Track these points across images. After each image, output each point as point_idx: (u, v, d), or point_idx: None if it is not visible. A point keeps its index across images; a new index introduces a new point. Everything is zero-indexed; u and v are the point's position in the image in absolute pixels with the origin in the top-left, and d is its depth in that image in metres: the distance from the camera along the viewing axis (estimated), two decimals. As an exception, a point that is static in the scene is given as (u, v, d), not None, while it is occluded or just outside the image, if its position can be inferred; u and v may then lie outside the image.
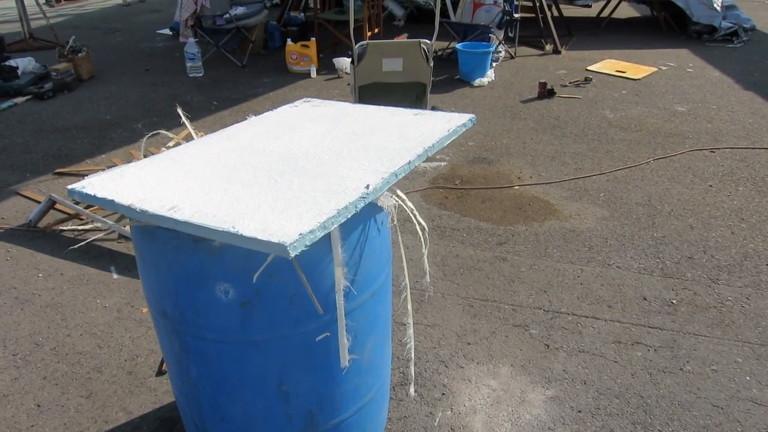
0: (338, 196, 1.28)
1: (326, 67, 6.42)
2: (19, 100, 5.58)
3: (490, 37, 6.10)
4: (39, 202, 3.65)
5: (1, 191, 3.95)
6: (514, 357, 2.43)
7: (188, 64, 6.27)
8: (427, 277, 1.86)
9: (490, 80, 5.90)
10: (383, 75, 4.23)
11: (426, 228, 1.68)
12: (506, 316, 2.67)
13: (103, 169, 3.94)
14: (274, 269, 1.34)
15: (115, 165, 4.08)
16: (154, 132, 2.04)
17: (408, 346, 1.77)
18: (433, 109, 4.33)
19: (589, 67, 6.28)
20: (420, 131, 1.68)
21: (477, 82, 5.81)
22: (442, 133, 1.64)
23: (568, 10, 8.30)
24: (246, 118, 1.96)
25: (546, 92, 5.44)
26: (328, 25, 6.63)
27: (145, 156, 1.85)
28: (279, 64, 6.58)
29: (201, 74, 6.32)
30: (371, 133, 1.70)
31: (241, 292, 1.38)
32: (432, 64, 4.22)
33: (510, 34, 6.63)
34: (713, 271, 2.95)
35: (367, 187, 1.31)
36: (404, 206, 1.64)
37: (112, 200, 1.34)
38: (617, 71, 6.12)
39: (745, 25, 7.21)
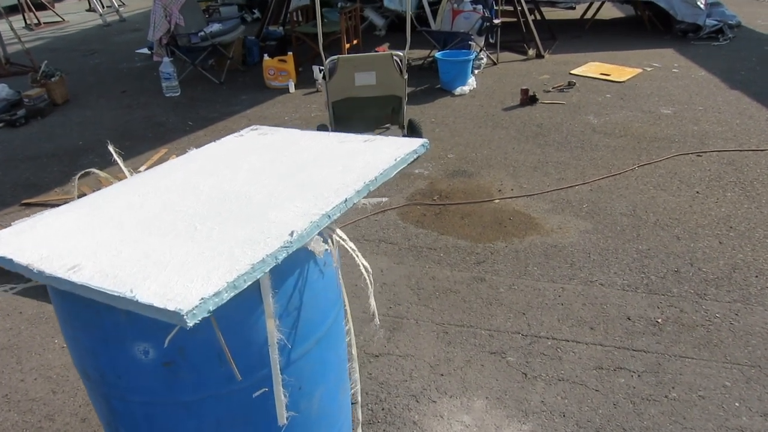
0: (258, 246, 1.15)
1: (305, 81, 6.31)
2: (-10, 128, 5.45)
3: (470, 44, 5.99)
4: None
5: (-35, 225, 3.81)
6: (490, 388, 2.29)
7: (164, 84, 6.15)
8: (376, 320, 1.72)
9: (472, 88, 5.79)
10: (356, 89, 4.11)
11: (370, 270, 1.55)
12: (483, 342, 2.54)
13: (71, 198, 3.80)
14: (196, 326, 1.21)
15: (84, 194, 3.95)
16: (85, 171, 1.91)
17: (354, 389, 1.63)
18: (410, 122, 4.23)
19: (573, 71, 6.17)
20: (365, 161, 1.55)
21: (458, 90, 5.70)
22: (387, 164, 1.51)
23: (551, 13, 8.21)
24: (214, 139, 1.84)
25: (528, 99, 5.32)
26: (306, 38, 6.52)
27: (78, 196, 1.73)
28: (257, 80, 6.47)
29: (178, 93, 6.20)
30: (313, 166, 1.57)
31: (162, 352, 1.24)
32: (406, 77, 4.10)
33: (491, 40, 6.52)
34: (700, 286, 2.82)
35: (291, 234, 1.18)
36: (346, 246, 1.50)
37: (11, 259, 1.20)
38: (601, 74, 6.01)
39: (731, 22, 7.11)
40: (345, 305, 1.63)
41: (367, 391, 2.30)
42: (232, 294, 1.03)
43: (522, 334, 2.57)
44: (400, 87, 4.12)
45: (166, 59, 6.13)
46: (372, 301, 1.57)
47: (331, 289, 1.54)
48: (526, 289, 2.86)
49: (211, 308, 0.99)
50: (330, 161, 1.59)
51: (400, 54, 4.02)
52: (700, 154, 4.19)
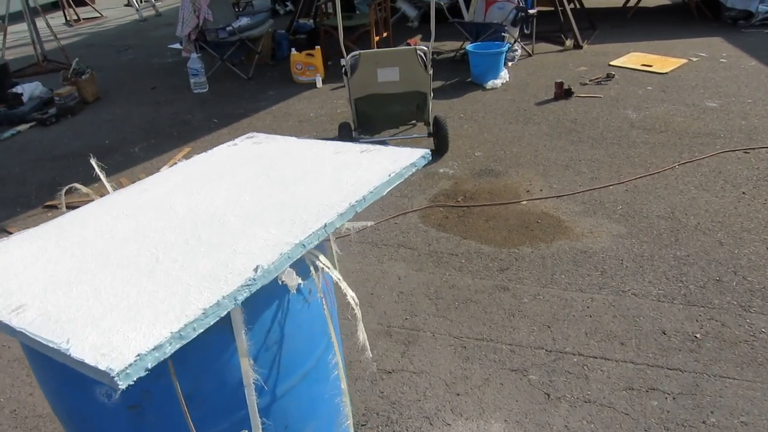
0: (217, 284, 1.03)
1: (333, 75, 6.19)
2: (23, 127, 5.54)
3: (503, 35, 5.76)
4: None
5: (-9, 225, 3.86)
6: (509, 410, 2.14)
7: (192, 80, 6.13)
8: (368, 353, 1.58)
9: (504, 81, 5.57)
10: (379, 86, 3.97)
11: (358, 302, 1.41)
12: (503, 358, 2.38)
13: (93, 199, 3.80)
14: (160, 369, 1.10)
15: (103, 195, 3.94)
16: (69, 186, 1.83)
17: (346, 423, 1.50)
18: (436, 119, 4.06)
19: (612, 62, 5.87)
20: (357, 177, 1.42)
21: (490, 84, 5.49)
22: (380, 180, 1.38)
23: (591, 1, 7.85)
24: (243, 134, 1.73)
25: (563, 92, 5.07)
26: (334, 31, 6.37)
27: (68, 207, 1.66)
28: (286, 74, 6.39)
29: (205, 90, 6.18)
30: (301, 181, 1.45)
31: (125, 395, 1.14)
32: (431, 72, 3.94)
33: (526, 31, 6.26)
34: (744, 297, 2.59)
35: (256, 269, 1.06)
36: (331, 274, 1.38)
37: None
38: (643, 65, 5.69)
39: (785, 7, 6.65)
40: (332, 339, 1.49)
41: (378, 412, 2.18)
42: (178, 346, 0.92)
43: (546, 350, 2.40)
44: (424, 82, 3.96)
45: (194, 55, 6.11)
46: (361, 334, 1.43)
47: (318, 318, 1.42)
48: (552, 300, 2.69)
49: (150, 365, 0.88)
50: (320, 175, 1.47)
51: (425, 48, 3.86)
52: (748, 150, 3.90)
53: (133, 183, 4.16)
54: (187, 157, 4.56)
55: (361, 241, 3.29)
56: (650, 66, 5.64)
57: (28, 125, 5.58)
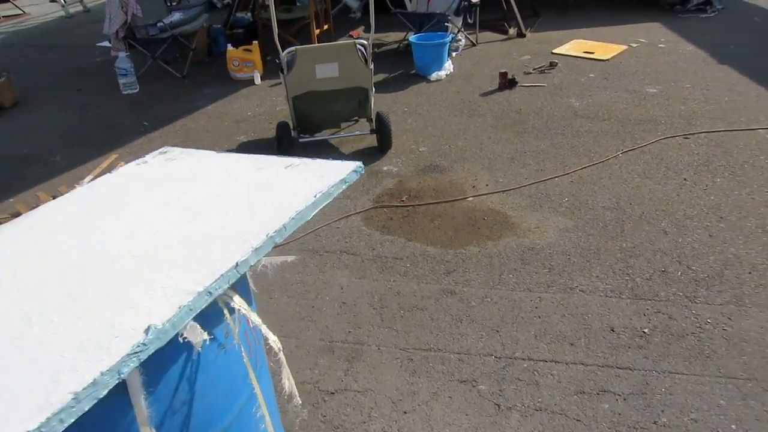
0: (97, 354, 0.87)
1: (273, 71, 5.95)
2: (-65, 136, 5.11)
3: (447, 26, 5.66)
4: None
5: None
6: (459, 425, 2.04)
7: (121, 81, 5.80)
8: (297, 399, 1.44)
9: (449, 73, 5.48)
10: (318, 83, 3.80)
11: (281, 348, 1.27)
12: (451, 369, 2.28)
13: (4, 218, 3.48)
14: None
15: (19, 213, 3.65)
16: None
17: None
18: (378, 115, 3.92)
19: (555, 50, 5.86)
20: (279, 198, 1.28)
21: (434, 76, 5.38)
22: (304, 203, 1.23)
23: (532, -12, 7.83)
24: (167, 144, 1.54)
25: (507, 82, 5.02)
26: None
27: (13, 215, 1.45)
28: (223, 71, 6.11)
29: (136, 90, 5.85)
30: (215, 206, 1.29)
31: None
32: (372, 66, 3.80)
33: (469, 21, 6.18)
34: (690, 287, 2.57)
35: (147, 330, 0.90)
36: (248, 317, 1.23)
37: None
38: (585, 52, 5.70)
39: (718, -9, 6.79)
40: (255, 386, 1.34)
41: (320, 434, 2.04)
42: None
43: (495, 357, 2.31)
44: (365, 78, 3.82)
45: (122, 54, 5.77)
46: (287, 382, 1.29)
47: (238, 367, 1.27)
48: (500, 302, 2.60)
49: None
50: (236, 199, 1.31)
51: (364, 42, 3.71)
52: (688, 136, 3.92)
53: (53, 197, 3.82)
54: (112, 165, 4.28)
55: (302, 249, 3.14)
56: (592, 53, 5.65)
57: (-60, 135, 5.15)
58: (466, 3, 5.77)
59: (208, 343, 1.16)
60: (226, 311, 1.17)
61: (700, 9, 6.75)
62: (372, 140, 4.16)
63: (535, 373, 2.22)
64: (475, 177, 3.67)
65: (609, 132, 4.08)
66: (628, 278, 2.66)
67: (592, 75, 5.17)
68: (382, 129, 3.97)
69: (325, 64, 3.69)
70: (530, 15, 7.04)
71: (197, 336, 1.01)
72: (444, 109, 4.76)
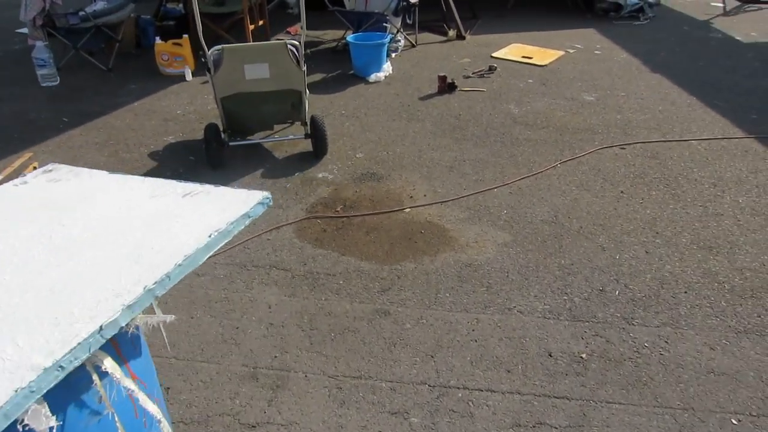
0: None
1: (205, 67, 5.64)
2: None
3: (385, 26, 5.51)
4: None
5: None
6: (388, 464, 1.90)
7: (39, 72, 5.35)
8: None
9: (388, 74, 5.33)
10: (248, 84, 3.57)
11: (161, 419, 1.08)
12: (383, 399, 2.14)
13: None
14: None
15: None
16: None
17: None
18: (313, 119, 3.74)
19: (495, 54, 5.82)
20: (168, 237, 1.09)
21: (373, 77, 5.23)
22: (196, 243, 1.05)
23: (473, -10, 7.80)
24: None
25: (446, 86, 4.93)
26: (205, 19, 5.82)
27: None
28: (151, 65, 5.74)
29: (56, 83, 5.42)
30: (93, 245, 1.09)
31: None
32: (305, 68, 3.60)
33: (408, 21, 6.06)
34: (627, 308, 2.53)
35: None
36: (122, 384, 1.03)
37: None
38: (523, 57, 5.69)
39: (651, 1, 6.95)
40: None
41: (237, 481, 1.86)
42: None
43: (429, 385, 2.19)
44: (298, 80, 3.61)
45: (40, 43, 5.32)
46: None
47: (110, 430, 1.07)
48: (436, 323, 2.48)
49: None
50: (119, 236, 1.11)
51: (296, 42, 3.51)
52: (624, 146, 3.93)
53: None
54: (25, 165, 3.92)
55: (228, 263, 2.92)
56: (530, 58, 5.64)
57: None
58: (404, 3, 5.64)
59: (78, 409, 0.96)
60: (95, 376, 0.97)
61: (633, 16, 6.89)
62: (307, 145, 3.97)
63: (470, 403, 2.11)
64: (413, 186, 3.54)
65: (547, 141, 4.05)
66: (566, 298, 2.59)
67: (530, 80, 5.15)
68: (317, 134, 3.78)
69: (255, 65, 3.47)
70: (469, 17, 6.99)
71: (42, 423, 0.82)
72: (382, 112, 4.61)
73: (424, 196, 3.44)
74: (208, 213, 1.17)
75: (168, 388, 2.24)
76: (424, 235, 3.08)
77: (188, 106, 4.87)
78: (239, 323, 2.55)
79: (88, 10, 5.58)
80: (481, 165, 3.76)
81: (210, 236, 1.08)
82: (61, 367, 0.81)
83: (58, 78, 5.46)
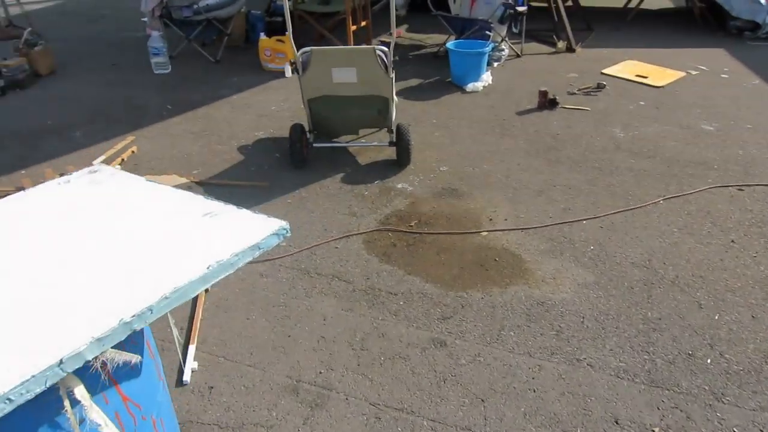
0: None
1: (306, 64, 5.72)
2: (-37, 99, 5.08)
3: (488, 34, 5.29)
4: None
5: None
6: None
7: (153, 60, 5.67)
8: None
9: (486, 84, 5.12)
10: (334, 87, 3.52)
11: None
12: (422, 441, 1.99)
13: (9, 191, 3.30)
14: None
15: (22, 188, 3.52)
16: None
17: None
18: (399, 128, 3.64)
19: (605, 70, 5.42)
20: (167, 261, 1.01)
21: (470, 87, 5.04)
22: (190, 275, 0.96)
23: (589, 0, 7.36)
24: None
25: (547, 102, 4.64)
26: (309, 17, 5.91)
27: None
28: (256, 60, 5.91)
29: (167, 71, 5.71)
30: (91, 262, 1.03)
31: None
32: (393, 75, 3.49)
33: (515, 30, 5.79)
34: (718, 381, 2.19)
35: None
36: (89, 416, 0.96)
37: None
38: (638, 75, 5.25)
39: (798, 21, 6.18)
40: None
41: (256, 506, 1.79)
42: None
43: (474, 434, 2.01)
44: (385, 86, 3.52)
45: (155, 33, 5.63)
46: None
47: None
48: (493, 363, 2.29)
49: None
50: (120, 257, 1.05)
51: (385, 48, 3.41)
52: (742, 188, 3.48)
53: (60, 175, 3.70)
54: (126, 147, 4.13)
55: (293, 267, 2.88)
56: (645, 77, 5.19)
57: (-32, 98, 5.12)
58: (512, 11, 5.38)
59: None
60: (66, 401, 0.91)
61: (774, 38, 6.17)
62: (391, 153, 3.87)
63: (518, 462, 1.91)
64: (495, 208, 3.33)
65: (652, 172, 3.67)
66: (647, 357, 2.30)
67: (642, 103, 4.73)
68: (401, 143, 3.67)
69: (342, 69, 3.41)
70: (582, 28, 6.58)
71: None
72: (475, 125, 4.42)
73: (505, 220, 3.22)
74: (218, 238, 1.08)
75: (211, 387, 2.22)
76: (497, 263, 2.88)
77: (283, 102, 4.93)
78: (291, 332, 2.49)
79: (201, 4, 5.82)
80: (572, 192, 3.48)
81: (209, 268, 0.98)
82: (8, 399, 0.74)
83: (170, 66, 5.75)
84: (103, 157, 3.97)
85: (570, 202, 3.37)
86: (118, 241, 1.10)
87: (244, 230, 1.09)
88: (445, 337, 2.43)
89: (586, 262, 2.86)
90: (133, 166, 3.89)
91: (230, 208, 1.21)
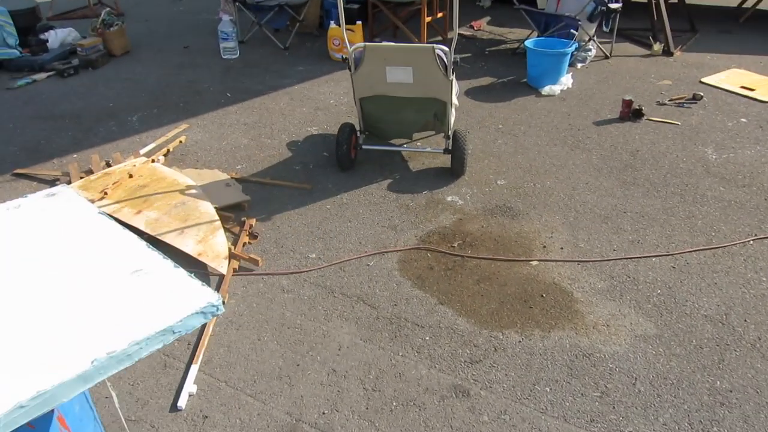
0: None
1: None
2: (40, 76, 5.24)
3: (573, 33, 4.82)
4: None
5: (-51, 191, 3.55)
6: None
7: (221, 45, 5.62)
8: None
9: (565, 88, 4.67)
10: (388, 87, 3.26)
11: None
12: None
13: (58, 177, 3.28)
14: None
15: (68, 174, 3.54)
16: None
17: None
18: (455, 135, 3.33)
19: (705, 79, 4.80)
20: (53, 349, 0.80)
21: (546, 90, 4.61)
22: (77, 369, 0.75)
23: (698, -4, 6.62)
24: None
25: (631, 112, 4.15)
26: (383, 6, 5.64)
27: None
28: (326, 48, 5.73)
29: (235, 56, 5.65)
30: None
31: None
32: (453, 77, 3.18)
33: (605, 29, 5.26)
34: (800, 482, 1.78)
35: None
36: None
37: None
38: (742, 87, 4.61)
39: None
40: None
41: None
42: None
43: None
44: (444, 89, 3.22)
45: (226, 18, 5.58)
46: None
47: None
48: (520, 425, 1.98)
49: None
50: (15, 328, 0.85)
51: (445, 48, 3.10)
52: None
53: (106, 163, 3.61)
54: (179, 135, 4.07)
55: (318, 283, 2.68)
56: (752, 90, 4.55)
57: (46, 75, 5.27)
58: (603, 8, 4.87)
59: None
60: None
61: None
62: (446, 160, 3.57)
63: None
64: (551, 234, 2.97)
65: (745, 205, 3.16)
66: (708, 439, 1.92)
67: (744, 120, 4.14)
68: (456, 152, 3.37)
69: (398, 68, 3.14)
70: (685, 29, 5.90)
71: None
72: (544, 134, 4.02)
73: (561, 248, 2.86)
74: (127, 313, 0.87)
75: (206, 416, 2.07)
76: (543, 299, 2.54)
77: (343, 96, 4.72)
78: (302, 360, 2.29)
79: (274, -12, 5.70)
80: (645, 221, 3.05)
81: (93, 362, 0.77)
82: None
83: (238, 52, 5.68)
84: (151, 146, 3.93)
85: (640, 234, 2.95)
86: (24, 303, 0.91)
87: (165, 302, 0.88)
88: (470, 386, 2.14)
89: (650, 309, 2.47)
90: (179, 156, 3.82)
91: (166, 266, 1.00)
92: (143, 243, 1.07)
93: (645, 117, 4.15)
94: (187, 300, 0.90)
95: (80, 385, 0.78)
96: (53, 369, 0.77)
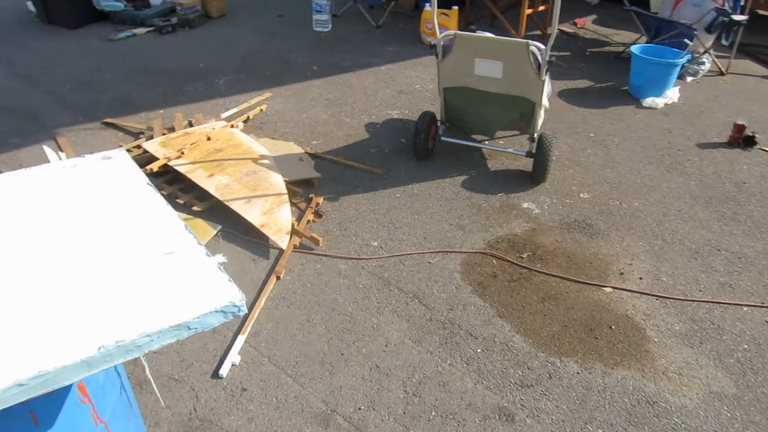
0: None
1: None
2: (140, 31, 5.41)
3: (686, 42, 4.43)
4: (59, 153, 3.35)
5: (44, 131, 3.71)
6: None
7: (315, 17, 5.59)
8: None
9: (669, 102, 4.31)
10: (475, 79, 3.09)
11: None
12: None
13: (143, 130, 3.35)
14: None
15: (151, 129, 3.60)
16: None
17: None
18: (541, 139, 3.13)
19: (834, 111, 4.30)
20: (65, 330, 0.74)
21: (648, 101, 4.27)
22: (75, 357, 0.68)
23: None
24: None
25: (741, 139, 3.77)
26: (483, -8, 5.41)
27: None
28: (418, 31, 5.59)
29: (327, 29, 5.61)
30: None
31: None
32: (546, 77, 2.97)
33: (724, 42, 4.81)
34: None
35: None
36: None
37: None
38: None
39: None
40: None
41: None
42: None
43: None
44: (534, 89, 3.01)
45: (323, -11, 5.53)
46: None
47: None
48: (565, 468, 1.82)
49: None
50: (37, 312, 0.80)
51: (541, 45, 2.89)
52: None
53: (189, 122, 3.66)
54: (260, 103, 4.07)
55: (375, 273, 2.59)
56: None
57: (145, 30, 5.44)
58: (725, 19, 4.43)
59: None
60: None
61: None
62: (527, 164, 3.37)
63: None
64: (631, 260, 2.73)
65: None
66: None
67: None
68: (539, 156, 3.16)
69: (487, 61, 2.96)
70: (822, 53, 5.30)
71: None
72: (640, 149, 3.71)
73: (640, 279, 2.62)
74: (148, 299, 0.79)
75: (244, 389, 2.04)
76: (612, 332, 2.33)
77: (429, 82, 4.57)
78: (347, 350, 2.21)
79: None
80: (741, 264, 2.74)
81: (100, 349, 0.70)
82: None
83: (330, 25, 5.64)
84: (233, 110, 3.95)
85: (734, 277, 2.66)
86: (39, 268, 0.86)
87: (186, 294, 0.80)
88: (516, 411, 1.99)
89: (732, 364, 2.21)
90: (258, 124, 3.81)
91: (198, 253, 0.92)
92: (182, 223, 1.00)
93: (758, 146, 3.75)
94: (209, 295, 0.82)
95: (83, 371, 0.72)
96: (59, 350, 0.71)
